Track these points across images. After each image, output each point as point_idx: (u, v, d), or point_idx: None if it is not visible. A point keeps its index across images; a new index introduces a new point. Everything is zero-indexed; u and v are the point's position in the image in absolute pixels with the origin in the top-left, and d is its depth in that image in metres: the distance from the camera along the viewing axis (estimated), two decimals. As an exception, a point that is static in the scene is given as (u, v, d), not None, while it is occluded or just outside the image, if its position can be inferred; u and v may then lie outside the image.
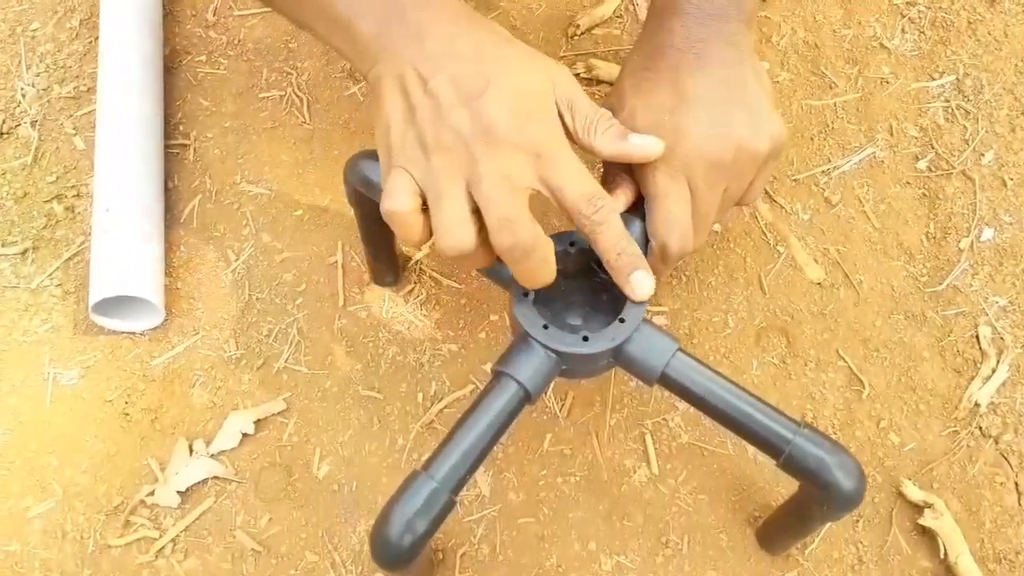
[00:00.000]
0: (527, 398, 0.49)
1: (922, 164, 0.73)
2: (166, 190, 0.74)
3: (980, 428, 0.64)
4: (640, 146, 0.50)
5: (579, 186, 0.46)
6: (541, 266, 0.47)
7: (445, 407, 0.65)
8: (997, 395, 0.65)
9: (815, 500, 0.50)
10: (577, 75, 0.78)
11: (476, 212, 0.45)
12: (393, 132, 0.46)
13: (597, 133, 0.49)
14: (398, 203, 0.45)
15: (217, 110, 0.78)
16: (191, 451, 0.64)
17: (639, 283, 0.48)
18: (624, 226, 0.48)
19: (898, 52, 0.78)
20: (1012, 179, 0.72)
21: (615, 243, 0.47)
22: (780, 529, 0.58)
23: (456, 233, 0.45)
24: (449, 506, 0.46)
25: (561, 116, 0.48)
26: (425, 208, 0.46)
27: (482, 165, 0.44)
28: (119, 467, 0.63)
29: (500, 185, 0.44)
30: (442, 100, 0.45)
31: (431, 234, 0.46)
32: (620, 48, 0.79)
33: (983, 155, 0.73)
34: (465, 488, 0.49)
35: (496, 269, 0.49)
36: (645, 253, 0.53)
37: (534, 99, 0.47)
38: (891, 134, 0.75)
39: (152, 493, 0.62)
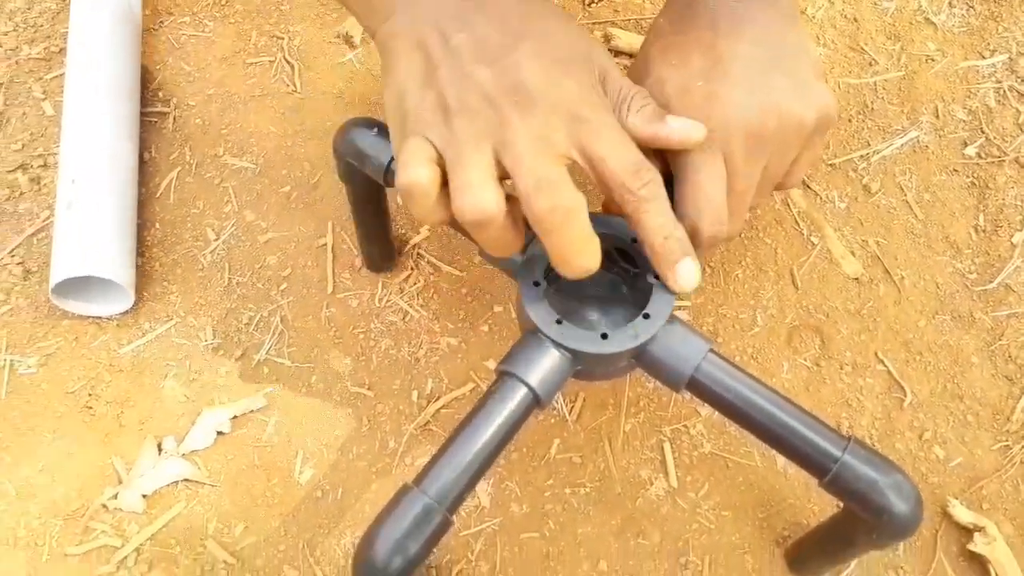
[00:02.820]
0: (536, 403, 0.42)
1: (971, 150, 0.67)
2: (141, 161, 0.67)
3: (1035, 443, 0.58)
4: (678, 130, 0.43)
5: (625, 156, 0.40)
6: (586, 241, 0.40)
7: (442, 407, 0.59)
8: (1054, 406, 0.58)
9: (862, 525, 0.44)
10: (593, 46, 0.72)
11: (503, 180, 0.39)
12: (409, 97, 0.40)
13: (630, 111, 0.42)
14: (415, 174, 0.38)
15: (200, 76, 0.72)
16: (160, 450, 0.58)
17: (685, 273, 0.42)
18: (671, 205, 0.42)
19: (945, 28, 0.72)
20: (1070, 168, 0.66)
21: (662, 224, 0.41)
22: (815, 553, 0.52)
23: (478, 193, 0.38)
24: (445, 526, 0.40)
25: None
26: (446, 182, 0.39)
27: (512, 126, 0.38)
28: (79, 466, 0.57)
29: (535, 146, 0.38)
30: (465, 57, 0.39)
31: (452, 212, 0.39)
32: (642, 17, 0.73)
33: (1038, 142, 0.67)
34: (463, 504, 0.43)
35: None
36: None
37: (570, 58, 0.41)
38: (936, 116, 0.68)
39: (115, 496, 0.56)
